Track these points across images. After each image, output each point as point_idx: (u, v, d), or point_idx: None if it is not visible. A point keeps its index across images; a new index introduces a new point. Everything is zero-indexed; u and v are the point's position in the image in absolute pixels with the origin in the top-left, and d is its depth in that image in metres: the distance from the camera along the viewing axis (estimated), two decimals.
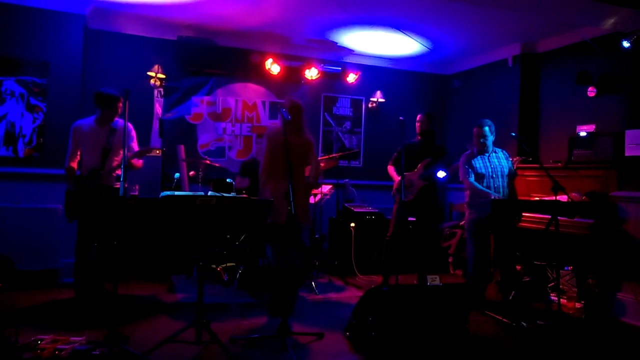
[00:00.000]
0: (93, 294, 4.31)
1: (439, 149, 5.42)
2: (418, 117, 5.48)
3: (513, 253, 4.70)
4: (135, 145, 4.53)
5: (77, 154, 4.42)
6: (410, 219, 5.54)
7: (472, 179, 4.70)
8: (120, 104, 4.41)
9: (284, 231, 4.14)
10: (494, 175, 4.66)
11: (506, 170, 4.71)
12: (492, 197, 4.49)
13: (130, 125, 4.44)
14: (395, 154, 5.54)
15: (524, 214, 4.87)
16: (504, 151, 4.84)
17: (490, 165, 4.68)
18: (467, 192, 4.80)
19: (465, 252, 5.04)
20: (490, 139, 4.71)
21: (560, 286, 4.74)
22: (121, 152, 4.35)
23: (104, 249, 4.30)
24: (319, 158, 6.10)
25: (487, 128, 4.67)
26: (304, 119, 4.36)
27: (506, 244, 4.66)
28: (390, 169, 5.51)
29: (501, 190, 4.66)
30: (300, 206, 4.09)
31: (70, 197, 4.33)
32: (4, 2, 5.09)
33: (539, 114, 6.22)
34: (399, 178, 5.27)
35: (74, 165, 4.42)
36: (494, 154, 4.74)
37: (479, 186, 4.65)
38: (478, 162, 4.69)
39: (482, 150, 4.71)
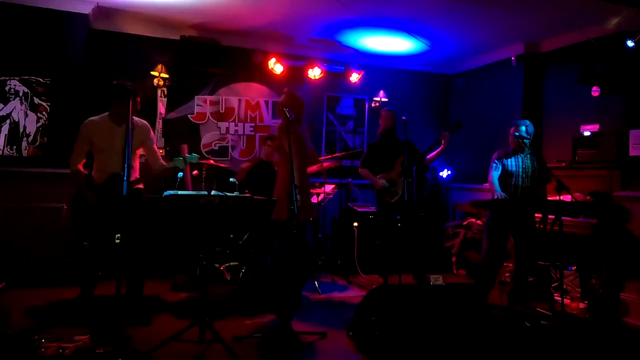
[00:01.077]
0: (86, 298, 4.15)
1: (408, 144, 5.31)
2: (382, 113, 5.39)
3: (530, 255, 4.66)
4: (156, 147, 4.18)
5: (84, 155, 3.97)
6: (397, 217, 5.44)
7: (493, 173, 4.67)
8: (139, 99, 3.99)
9: (287, 228, 4.16)
10: (524, 176, 4.63)
11: (537, 174, 4.69)
12: (496, 196, 4.49)
13: (148, 125, 4.13)
14: (363, 156, 5.48)
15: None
16: (539, 156, 4.80)
17: (522, 165, 4.65)
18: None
19: (470, 252, 5.02)
20: (527, 139, 4.66)
21: (564, 286, 4.73)
22: (137, 153, 4.12)
23: (104, 250, 4.11)
24: (322, 158, 6.12)
25: (523, 128, 4.64)
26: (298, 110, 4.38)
27: (524, 245, 4.64)
28: (364, 172, 5.39)
29: (527, 191, 4.62)
30: (302, 202, 4.13)
31: (85, 207, 3.86)
32: (8, 2, 5.11)
33: (542, 113, 6.20)
34: (381, 180, 5.22)
35: (81, 168, 3.96)
36: (529, 155, 4.70)
37: (495, 182, 4.63)
38: (511, 160, 4.67)
39: (518, 150, 4.69)
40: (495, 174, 4.67)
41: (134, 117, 3.93)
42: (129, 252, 3.86)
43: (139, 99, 3.99)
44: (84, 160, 3.99)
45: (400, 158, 5.20)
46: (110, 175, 3.89)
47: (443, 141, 5.04)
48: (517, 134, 4.60)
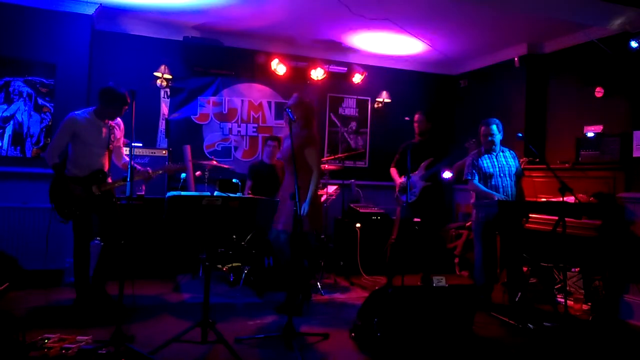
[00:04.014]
0: (95, 297, 4.19)
1: (440, 149, 5.41)
2: (416, 117, 5.46)
3: (520, 254, 4.67)
4: (122, 143, 4.44)
5: (63, 149, 4.07)
6: (415, 219, 5.52)
7: (475, 180, 4.68)
8: (126, 107, 4.18)
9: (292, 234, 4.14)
10: (502, 175, 4.64)
11: (514, 170, 4.69)
12: (496, 198, 4.48)
13: (120, 120, 4.32)
14: (397, 155, 5.53)
15: (530, 215, 4.84)
16: (511, 151, 4.82)
17: (498, 165, 4.66)
18: (473, 193, 4.79)
19: (473, 253, 5.01)
20: (498, 137, 4.69)
21: (567, 288, 4.72)
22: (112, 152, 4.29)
23: (109, 250, 4.20)
24: (324, 159, 6.11)
25: (494, 127, 4.66)
26: (306, 116, 4.33)
27: (513, 245, 4.64)
28: (393, 171, 5.49)
29: (509, 190, 4.63)
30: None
31: (68, 197, 4.04)
32: (11, 3, 5.13)
33: (545, 114, 6.19)
34: (401, 179, 5.27)
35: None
36: (501, 153, 4.72)
37: (482, 187, 4.64)
38: (485, 161, 4.67)
39: (489, 149, 4.69)
40: (475, 180, 4.67)
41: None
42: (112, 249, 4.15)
43: (126, 107, 4.18)
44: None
45: (425, 161, 5.24)
46: (93, 172, 4.09)
47: (470, 150, 5.06)
48: (492, 131, 4.62)
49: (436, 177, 5.29)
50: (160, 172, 4.41)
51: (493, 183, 4.64)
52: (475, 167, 4.69)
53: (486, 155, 4.70)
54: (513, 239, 4.63)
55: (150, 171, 4.22)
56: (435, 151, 5.33)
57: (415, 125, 5.44)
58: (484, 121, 4.73)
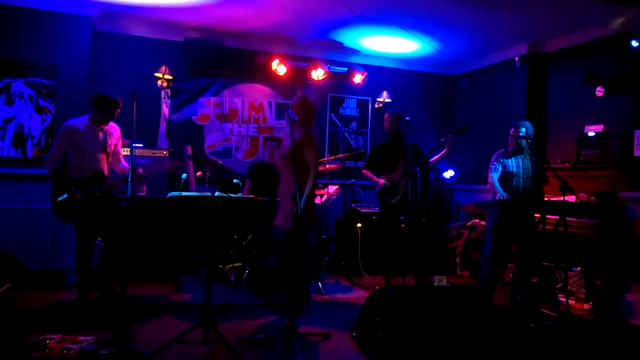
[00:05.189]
0: (101, 296, 4.23)
1: (413, 146, 5.27)
2: (385, 115, 5.39)
3: (529, 255, 4.64)
4: (121, 150, 4.46)
5: (62, 155, 4.15)
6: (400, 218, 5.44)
7: (493, 174, 4.66)
8: (119, 111, 4.24)
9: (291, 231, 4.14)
10: (524, 176, 4.63)
11: (537, 174, 4.68)
12: (498, 197, 4.48)
13: (116, 126, 4.36)
14: (367, 157, 5.49)
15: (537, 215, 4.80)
16: (539, 157, 4.81)
17: (523, 166, 4.64)
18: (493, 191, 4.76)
19: (474, 253, 5.00)
20: (526, 138, 4.66)
21: (569, 287, 4.72)
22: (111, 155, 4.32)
23: (112, 250, 4.22)
24: (325, 159, 6.11)
25: (524, 129, 4.64)
26: (307, 115, 4.32)
27: (526, 246, 4.62)
28: (367, 173, 5.39)
29: (528, 192, 4.61)
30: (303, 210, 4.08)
31: (68, 202, 4.05)
32: (12, 4, 5.14)
33: (546, 114, 6.19)
34: (382, 180, 5.22)
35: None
36: (528, 156, 4.69)
37: (496, 184, 4.61)
38: (511, 161, 4.66)
39: (517, 151, 4.68)
40: (494, 175, 4.67)
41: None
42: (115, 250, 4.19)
43: (118, 110, 4.24)
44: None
45: (403, 160, 5.19)
46: (92, 173, 4.15)
47: (446, 145, 5.02)
48: (520, 134, 4.59)
49: (415, 174, 5.23)
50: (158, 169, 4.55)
51: (514, 184, 4.63)
52: (500, 164, 4.69)
53: (513, 156, 4.69)
54: (527, 240, 4.62)
55: (140, 171, 4.24)
56: (408, 149, 5.25)
57: (386, 124, 5.38)
58: (515, 123, 4.72)
